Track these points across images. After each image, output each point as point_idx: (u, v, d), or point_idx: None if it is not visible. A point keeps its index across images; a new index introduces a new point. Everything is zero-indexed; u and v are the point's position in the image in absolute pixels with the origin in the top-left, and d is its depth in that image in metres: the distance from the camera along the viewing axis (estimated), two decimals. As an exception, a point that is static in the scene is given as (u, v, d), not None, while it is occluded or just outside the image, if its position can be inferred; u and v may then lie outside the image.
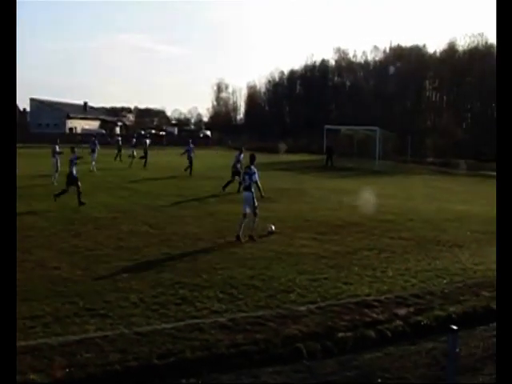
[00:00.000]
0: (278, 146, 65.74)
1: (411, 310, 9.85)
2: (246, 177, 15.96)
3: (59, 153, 29.36)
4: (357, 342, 8.61)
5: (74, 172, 21.61)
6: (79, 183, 21.25)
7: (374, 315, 9.49)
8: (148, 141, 42.61)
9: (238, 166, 26.89)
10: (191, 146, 36.33)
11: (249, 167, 16.17)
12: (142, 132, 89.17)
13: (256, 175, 15.83)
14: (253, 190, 15.73)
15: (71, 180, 21.45)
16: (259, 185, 16.07)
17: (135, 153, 40.98)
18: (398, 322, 9.31)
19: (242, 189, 16.40)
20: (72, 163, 21.63)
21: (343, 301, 10.16)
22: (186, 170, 35.22)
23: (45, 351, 7.56)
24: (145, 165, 39.43)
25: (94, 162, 36.39)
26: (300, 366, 7.83)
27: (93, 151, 37.14)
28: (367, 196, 24.44)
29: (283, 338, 8.34)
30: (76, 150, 22.83)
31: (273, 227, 16.57)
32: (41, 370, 7.04)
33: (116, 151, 44.50)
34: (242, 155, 27.60)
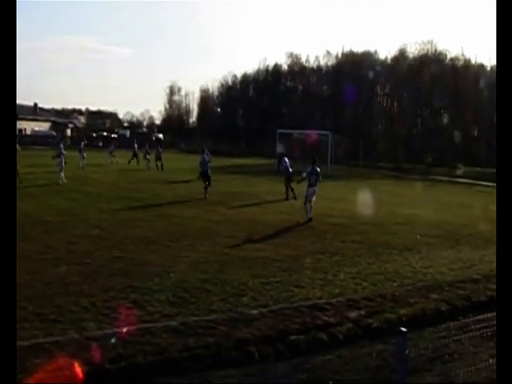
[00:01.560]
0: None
1: (362, 312, 9.95)
2: (314, 176, 20.28)
3: (62, 154, 30.94)
4: (309, 344, 8.66)
5: (209, 171, 27.15)
6: (210, 180, 26.64)
7: (326, 318, 9.56)
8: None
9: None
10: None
11: (313, 168, 20.35)
12: (94, 134, 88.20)
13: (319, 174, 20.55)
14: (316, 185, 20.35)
15: (206, 177, 26.75)
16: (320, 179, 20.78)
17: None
18: (350, 325, 9.39)
19: (309, 184, 20.31)
20: (206, 162, 27.28)
21: (295, 304, 10.20)
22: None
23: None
24: (162, 168, 41.62)
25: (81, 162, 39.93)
26: (252, 369, 7.84)
27: (80, 151, 40.68)
28: (318, 200, 24.63)
29: (235, 342, 8.33)
30: (206, 149, 28.77)
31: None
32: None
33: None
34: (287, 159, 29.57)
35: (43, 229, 16.46)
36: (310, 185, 20.29)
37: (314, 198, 20.28)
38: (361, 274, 12.64)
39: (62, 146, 32.00)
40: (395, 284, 11.90)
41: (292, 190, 26.52)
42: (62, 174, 29.91)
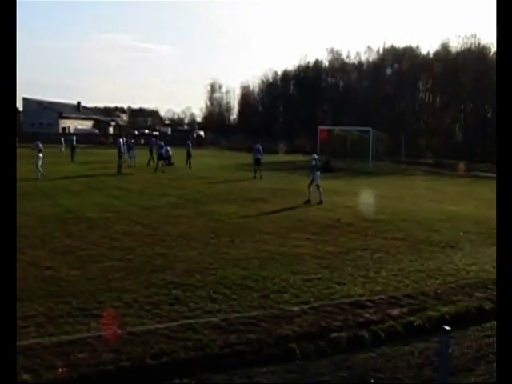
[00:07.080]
0: (279, 145, 67.56)
1: (404, 310, 9.86)
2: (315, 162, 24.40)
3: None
4: (350, 342, 8.61)
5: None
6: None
7: (367, 315, 9.49)
8: (189, 142, 44.42)
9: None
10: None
11: (314, 157, 24.94)
12: (136, 132, 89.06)
13: None
14: None
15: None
16: None
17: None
18: (391, 323, 9.31)
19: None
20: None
21: (336, 301, 10.15)
22: None
23: (37, 351, 7.53)
24: (190, 166, 41.53)
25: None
26: (293, 366, 7.83)
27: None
28: (360, 196, 24.50)
29: (276, 338, 8.33)
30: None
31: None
32: (33, 369, 7.02)
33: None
34: None
35: (86, 225, 16.72)
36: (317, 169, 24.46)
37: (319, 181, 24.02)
38: (403, 271, 12.49)
39: (121, 142, 36.41)
40: (437, 281, 11.74)
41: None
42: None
